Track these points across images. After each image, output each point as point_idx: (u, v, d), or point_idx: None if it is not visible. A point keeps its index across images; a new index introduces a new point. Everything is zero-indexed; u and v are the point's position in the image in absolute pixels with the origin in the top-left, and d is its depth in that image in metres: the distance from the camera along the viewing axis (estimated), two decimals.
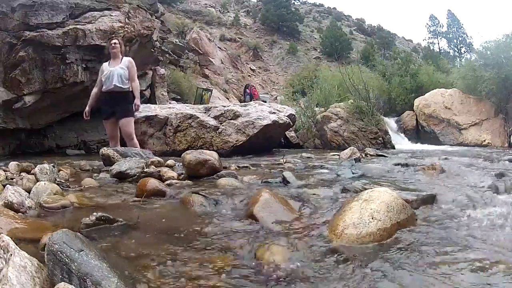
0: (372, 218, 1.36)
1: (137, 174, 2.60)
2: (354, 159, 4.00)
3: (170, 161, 3.29)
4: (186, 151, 2.75)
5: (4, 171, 2.79)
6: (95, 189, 2.36)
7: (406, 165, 3.28)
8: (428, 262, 1.14)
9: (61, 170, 2.96)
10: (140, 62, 6.92)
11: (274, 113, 6.50)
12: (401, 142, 9.15)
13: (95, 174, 2.98)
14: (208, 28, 25.85)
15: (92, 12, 7.15)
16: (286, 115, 6.68)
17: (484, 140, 9.03)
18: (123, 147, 4.12)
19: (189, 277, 1.06)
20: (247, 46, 28.74)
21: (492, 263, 1.11)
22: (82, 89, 6.98)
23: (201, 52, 20.16)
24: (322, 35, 33.99)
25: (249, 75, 24.77)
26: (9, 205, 1.68)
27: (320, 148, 7.94)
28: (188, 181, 2.48)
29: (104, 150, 3.53)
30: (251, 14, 36.32)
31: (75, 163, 3.85)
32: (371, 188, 1.60)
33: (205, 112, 6.46)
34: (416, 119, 10.46)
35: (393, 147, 7.76)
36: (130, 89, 4.53)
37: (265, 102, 9.52)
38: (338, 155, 4.90)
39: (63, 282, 0.87)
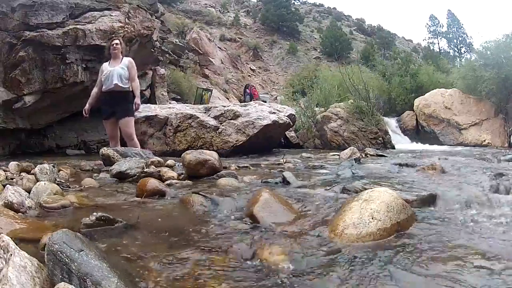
0: (372, 218, 1.36)
1: (137, 174, 2.60)
2: (354, 159, 4.00)
3: (170, 161, 3.29)
4: (186, 151, 2.75)
5: (4, 171, 2.80)
6: (95, 189, 2.36)
7: (406, 165, 3.28)
8: (428, 262, 1.14)
9: (61, 170, 2.96)
10: (140, 62, 6.92)
11: (274, 113, 6.50)
12: (401, 142, 9.15)
13: (95, 174, 2.99)
14: (208, 28, 25.86)
15: (92, 12, 7.15)
16: (286, 115, 6.68)
17: (484, 140, 9.03)
18: (123, 147, 4.12)
19: (189, 277, 1.06)
20: (247, 46, 28.75)
21: (492, 263, 1.11)
22: (82, 89, 6.98)
23: (201, 52, 20.17)
24: (322, 35, 34.00)
25: (249, 75, 24.77)
26: (9, 205, 1.68)
27: (320, 148, 7.94)
28: (188, 181, 2.49)
29: (104, 150, 3.53)
30: (251, 14, 36.32)
31: (75, 163, 3.85)
32: (371, 188, 1.60)
33: (205, 112, 6.46)
34: (416, 119, 10.47)
35: (393, 147, 7.76)
36: (130, 89, 4.53)
37: (265, 102, 9.52)
38: (338, 155, 4.90)
39: (63, 282, 0.87)
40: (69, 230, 1.04)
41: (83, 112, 4.61)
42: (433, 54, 28.44)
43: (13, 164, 3.01)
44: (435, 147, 8.45)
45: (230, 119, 6.17)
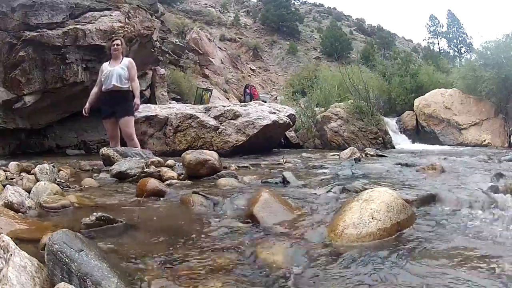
0: (372, 218, 1.36)
1: (137, 174, 2.60)
2: (354, 159, 4.01)
3: (170, 161, 3.29)
4: (186, 151, 2.75)
5: (4, 171, 2.79)
6: (95, 189, 2.36)
7: (406, 165, 3.29)
8: (428, 262, 1.14)
9: (61, 170, 2.96)
10: (140, 62, 6.92)
11: (274, 113, 6.51)
12: (401, 142, 9.15)
13: (95, 174, 2.99)
14: (208, 28, 25.85)
15: (92, 12, 7.15)
16: (286, 115, 6.68)
17: (484, 140, 9.03)
18: (123, 147, 4.12)
19: (189, 277, 1.06)
20: (247, 46, 28.74)
21: (492, 264, 1.11)
22: (82, 89, 6.98)
23: (201, 52, 20.16)
24: (322, 35, 33.99)
25: (249, 75, 24.76)
26: (9, 205, 1.68)
27: (320, 148, 7.94)
28: (188, 181, 2.49)
29: (104, 150, 3.53)
30: (251, 14, 36.32)
31: (75, 163, 3.85)
32: (371, 188, 1.60)
33: (205, 112, 6.46)
34: (416, 119, 10.46)
35: (393, 147, 7.76)
36: (130, 89, 4.53)
37: (265, 102, 9.52)
38: (338, 155, 4.90)
39: (63, 282, 0.87)
40: (69, 230, 1.04)
41: (83, 112, 4.61)
42: (433, 54, 28.43)
43: (13, 164, 3.01)
44: (435, 147, 8.46)
45: (230, 119, 6.17)
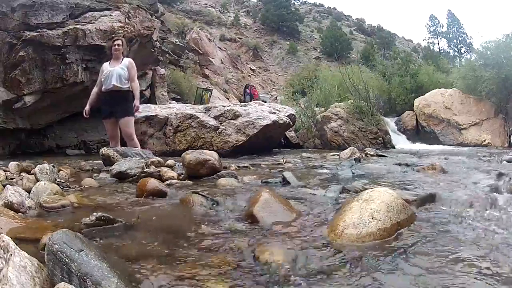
0: (372, 218, 1.36)
1: (137, 174, 2.60)
2: (354, 159, 4.01)
3: (170, 161, 3.29)
4: (186, 151, 2.75)
5: (4, 171, 2.79)
6: (95, 189, 2.36)
7: (406, 165, 3.29)
8: (428, 262, 1.14)
9: (61, 170, 2.96)
10: (140, 62, 6.92)
11: (274, 113, 6.51)
12: (401, 142, 9.15)
13: (95, 174, 2.98)
14: (208, 28, 25.85)
15: (92, 12, 7.15)
16: (286, 115, 6.68)
17: (484, 140, 9.03)
18: (123, 147, 4.12)
19: (189, 277, 1.06)
20: (247, 46, 28.74)
21: (492, 264, 1.11)
22: (82, 89, 6.99)
23: (201, 52, 20.16)
24: (322, 35, 33.99)
25: (249, 75, 24.77)
26: (9, 205, 1.68)
27: (320, 148, 7.94)
28: (188, 181, 2.48)
29: (104, 150, 3.53)
30: (251, 14, 36.32)
31: (75, 163, 3.85)
32: (371, 188, 1.60)
33: (205, 112, 6.46)
34: (416, 119, 10.46)
35: (393, 147, 7.76)
36: (130, 89, 4.53)
37: (265, 102, 9.52)
38: (338, 155, 4.91)
39: (63, 282, 0.87)
40: (69, 230, 1.04)
41: (84, 113, 4.61)
42: (433, 54, 28.42)
43: (13, 164, 3.01)
44: (435, 147, 8.45)
45: (230, 119, 6.17)
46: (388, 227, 1.36)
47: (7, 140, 7.15)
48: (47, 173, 2.44)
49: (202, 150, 2.86)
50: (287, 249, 1.26)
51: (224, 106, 6.72)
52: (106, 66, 4.58)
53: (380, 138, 7.73)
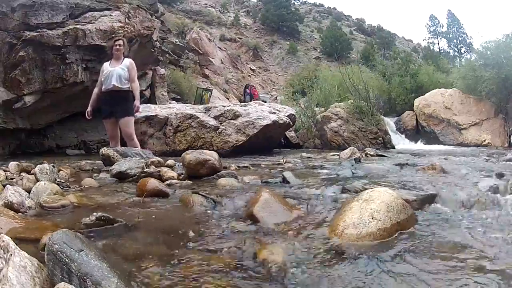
0: (372, 218, 1.36)
1: (137, 174, 2.60)
2: (354, 159, 4.00)
3: (170, 161, 3.29)
4: (186, 151, 2.75)
5: (4, 171, 2.79)
6: (95, 189, 2.36)
7: (406, 165, 3.28)
8: (427, 262, 1.14)
9: (61, 170, 2.96)
10: (140, 62, 6.92)
11: (274, 113, 6.51)
12: (401, 142, 9.15)
13: (95, 174, 2.98)
14: (208, 28, 25.85)
15: (92, 12, 7.15)
16: (286, 115, 6.68)
17: (484, 140, 9.03)
18: (123, 147, 4.12)
19: (189, 277, 1.06)
20: (247, 46, 28.74)
21: (492, 264, 1.11)
22: (82, 89, 6.99)
23: (201, 52, 20.16)
24: (322, 35, 33.99)
25: (249, 75, 24.77)
26: (9, 205, 1.68)
27: (320, 148, 7.94)
28: (188, 181, 2.48)
29: (104, 150, 3.53)
30: (251, 14, 36.31)
31: (75, 163, 3.85)
32: (371, 188, 1.60)
33: (205, 112, 6.46)
34: (416, 119, 10.46)
35: (393, 147, 7.76)
36: (130, 89, 4.53)
37: (265, 102, 9.52)
38: (338, 155, 4.90)
39: (63, 282, 0.87)
40: (69, 230, 1.04)
41: (86, 115, 4.62)
42: (433, 54, 28.41)
43: (13, 164, 3.01)
44: (435, 147, 8.45)
45: (230, 119, 6.17)
46: (388, 227, 1.36)
47: (7, 140, 7.15)
48: (47, 173, 2.44)
49: (202, 150, 2.86)
50: (287, 248, 1.26)
51: (224, 106, 6.72)
52: (106, 66, 4.59)
53: (380, 138, 7.73)
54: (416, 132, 10.35)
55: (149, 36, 8.35)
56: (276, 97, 20.68)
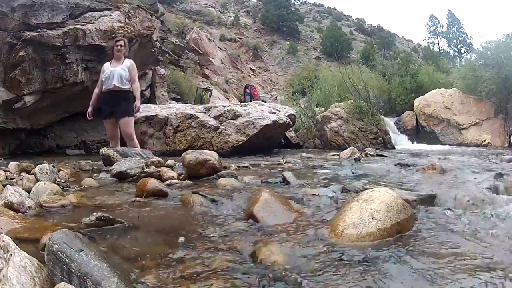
0: (372, 218, 1.36)
1: (137, 174, 2.60)
2: (354, 159, 4.01)
3: (170, 161, 3.29)
4: (186, 151, 2.75)
5: (4, 171, 2.79)
6: (95, 189, 2.36)
7: (406, 165, 3.28)
8: (427, 262, 1.14)
9: (61, 170, 2.96)
10: (140, 62, 6.92)
11: (274, 113, 6.51)
12: (401, 142, 9.15)
13: (95, 174, 2.99)
14: (208, 28, 25.86)
15: (92, 12, 7.15)
16: (286, 115, 6.68)
17: (484, 140, 9.02)
18: (123, 147, 4.12)
19: (189, 277, 1.06)
20: (247, 46, 28.75)
21: (492, 264, 1.11)
22: (82, 89, 6.99)
23: (201, 52, 20.16)
24: (322, 35, 34.00)
25: (249, 75, 24.77)
26: (9, 205, 1.68)
27: (320, 148, 7.94)
28: (188, 181, 2.48)
29: (104, 150, 3.53)
30: (251, 14, 36.32)
31: (75, 163, 3.85)
32: (371, 188, 1.60)
33: (205, 112, 6.46)
34: (416, 119, 10.46)
35: (393, 147, 7.76)
36: (130, 89, 4.53)
37: (265, 102, 9.52)
38: (338, 155, 4.91)
39: (63, 282, 0.87)
40: (69, 230, 1.04)
41: (87, 115, 4.63)
42: (433, 54, 28.42)
43: (13, 164, 3.01)
44: (435, 147, 8.45)
45: (230, 119, 6.17)
46: (388, 227, 1.36)
47: (7, 140, 7.15)
48: (47, 173, 2.44)
49: (202, 150, 2.87)
50: (287, 249, 1.26)
51: (224, 106, 6.72)
52: (107, 66, 4.59)
53: (380, 138, 7.73)
54: (416, 132, 10.35)
55: (149, 36, 8.35)
56: (276, 97, 20.69)
